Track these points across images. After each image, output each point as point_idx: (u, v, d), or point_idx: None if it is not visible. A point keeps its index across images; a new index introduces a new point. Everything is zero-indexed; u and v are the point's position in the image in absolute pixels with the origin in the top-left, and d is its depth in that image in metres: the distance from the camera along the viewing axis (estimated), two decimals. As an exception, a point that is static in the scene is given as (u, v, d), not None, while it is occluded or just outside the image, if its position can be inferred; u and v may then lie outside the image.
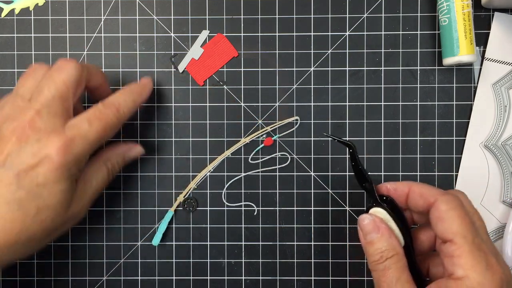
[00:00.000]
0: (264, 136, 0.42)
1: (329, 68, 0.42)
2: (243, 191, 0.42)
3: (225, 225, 0.42)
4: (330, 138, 0.35)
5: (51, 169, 0.31)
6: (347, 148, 0.34)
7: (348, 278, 0.42)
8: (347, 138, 0.41)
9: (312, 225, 0.42)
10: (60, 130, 0.32)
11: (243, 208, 0.42)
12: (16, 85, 0.35)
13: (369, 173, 0.42)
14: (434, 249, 0.33)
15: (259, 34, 0.42)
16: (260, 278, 0.42)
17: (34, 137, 0.31)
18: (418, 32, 0.42)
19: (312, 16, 0.42)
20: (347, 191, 0.42)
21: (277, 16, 0.42)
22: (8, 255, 0.31)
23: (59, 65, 0.34)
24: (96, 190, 0.36)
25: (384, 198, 0.33)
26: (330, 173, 0.42)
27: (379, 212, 0.32)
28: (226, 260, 0.42)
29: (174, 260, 0.42)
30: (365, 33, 0.42)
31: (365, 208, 0.33)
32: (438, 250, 0.30)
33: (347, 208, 0.42)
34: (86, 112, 0.34)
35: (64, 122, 0.33)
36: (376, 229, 0.31)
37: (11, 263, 0.33)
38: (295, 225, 0.42)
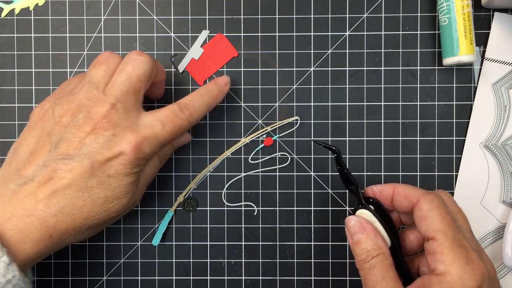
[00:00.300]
0: (264, 136, 0.42)
1: (329, 68, 0.42)
2: (243, 191, 0.42)
3: (225, 225, 0.42)
4: (320, 144, 0.36)
5: (123, 164, 0.32)
6: (332, 153, 0.35)
7: (348, 278, 0.42)
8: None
9: (312, 225, 0.42)
10: (135, 128, 0.33)
11: (243, 208, 0.42)
12: (88, 72, 0.35)
13: (368, 173, 0.42)
14: (423, 248, 0.33)
15: (259, 34, 0.42)
16: (260, 278, 0.42)
17: (110, 131, 0.32)
18: (418, 32, 0.42)
19: (312, 16, 0.42)
20: (347, 191, 0.42)
21: (277, 16, 0.42)
22: (71, 238, 0.33)
23: (133, 58, 0.34)
24: (150, 177, 0.37)
25: (371, 200, 0.34)
26: (330, 173, 0.42)
27: (365, 213, 0.33)
28: (226, 260, 0.42)
29: (174, 260, 0.42)
30: (365, 33, 0.42)
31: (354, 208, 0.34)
32: (424, 248, 0.31)
33: (347, 208, 0.42)
34: (161, 112, 0.35)
35: (137, 116, 0.34)
36: (362, 229, 0.32)
37: (68, 245, 0.34)
38: (295, 225, 0.42)
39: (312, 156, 0.42)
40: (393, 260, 0.31)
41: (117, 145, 0.32)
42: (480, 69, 0.41)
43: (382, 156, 0.42)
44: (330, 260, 0.42)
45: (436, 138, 0.42)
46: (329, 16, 0.42)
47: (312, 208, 0.42)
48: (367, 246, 0.31)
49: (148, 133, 0.33)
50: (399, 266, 0.32)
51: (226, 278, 0.42)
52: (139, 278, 0.42)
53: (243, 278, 0.42)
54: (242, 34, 0.42)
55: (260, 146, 0.42)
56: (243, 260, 0.42)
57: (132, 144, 0.32)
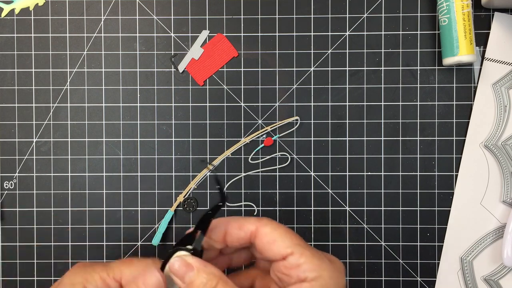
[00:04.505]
0: (264, 136, 0.42)
1: (329, 68, 0.42)
2: (243, 191, 0.42)
3: (225, 225, 0.42)
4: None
5: None
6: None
7: (348, 278, 0.42)
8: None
9: (312, 225, 0.42)
10: None
11: (243, 208, 0.42)
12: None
13: (368, 173, 0.42)
14: None
15: (259, 34, 0.42)
16: (260, 278, 0.42)
17: None
18: (418, 32, 0.42)
19: (312, 16, 0.42)
20: (347, 191, 0.42)
21: (277, 16, 0.42)
22: None
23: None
24: None
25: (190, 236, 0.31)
26: (330, 173, 0.42)
27: (182, 254, 0.30)
28: (226, 260, 0.42)
29: (174, 260, 0.42)
30: (365, 33, 0.42)
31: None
32: (277, 270, 0.30)
33: (347, 208, 0.42)
34: None
35: None
36: (190, 267, 0.29)
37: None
38: (295, 225, 0.42)
39: (312, 156, 0.42)
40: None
41: None
42: (480, 69, 0.41)
43: (382, 156, 0.42)
44: (330, 260, 0.42)
45: (436, 138, 0.42)
46: (329, 16, 0.42)
47: (312, 208, 0.42)
48: (202, 280, 0.29)
49: None
50: None
51: (226, 278, 0.42)
52: (139, 278, 0.42)
53: (243, 278, 0.42)
54: (242, 34, 0.42)
55: (260, 146, 0.42)
56: (243, 260, 0.42)
57: None
